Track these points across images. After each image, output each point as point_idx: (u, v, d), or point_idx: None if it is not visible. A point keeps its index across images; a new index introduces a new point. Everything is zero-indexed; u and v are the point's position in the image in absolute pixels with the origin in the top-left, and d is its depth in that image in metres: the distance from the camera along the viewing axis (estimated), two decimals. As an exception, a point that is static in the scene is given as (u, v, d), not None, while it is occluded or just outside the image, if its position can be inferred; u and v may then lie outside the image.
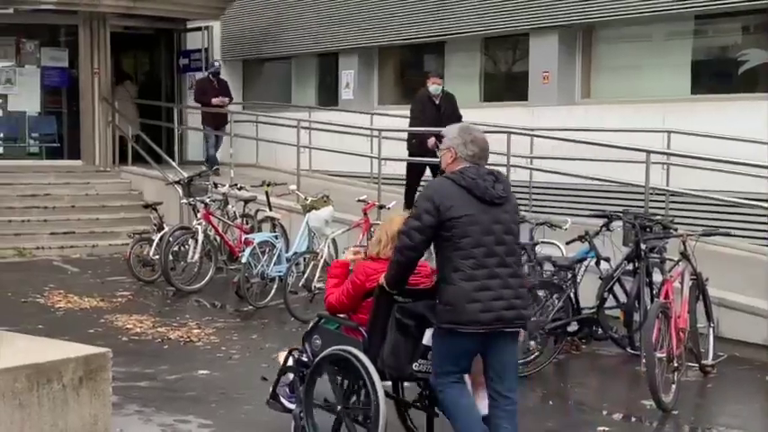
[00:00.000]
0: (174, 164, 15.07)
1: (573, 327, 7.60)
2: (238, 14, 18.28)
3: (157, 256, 10.87)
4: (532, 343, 7.28)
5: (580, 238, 7.93)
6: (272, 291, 9.92)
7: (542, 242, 8.66)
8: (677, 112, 11.80)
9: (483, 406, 4.94)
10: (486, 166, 4.81)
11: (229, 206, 12.09)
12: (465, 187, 4.64)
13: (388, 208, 10.51)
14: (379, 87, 16.87)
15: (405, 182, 11.71)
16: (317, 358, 5.17)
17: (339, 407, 5.05)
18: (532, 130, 12.43)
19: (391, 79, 17.09)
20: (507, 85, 15.00)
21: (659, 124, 11.72)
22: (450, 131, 4.90)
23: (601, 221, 8.01)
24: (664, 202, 10.78)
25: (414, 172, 11.64)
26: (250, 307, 9.78)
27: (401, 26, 15.65)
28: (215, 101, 15.64)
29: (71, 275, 11.96)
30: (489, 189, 4.66)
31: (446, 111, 11.32)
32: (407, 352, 4.92)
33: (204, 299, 10.39)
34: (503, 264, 4.65)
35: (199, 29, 18.19)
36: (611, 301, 7.75)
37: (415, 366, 4.99)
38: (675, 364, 6.47)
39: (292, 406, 5.40)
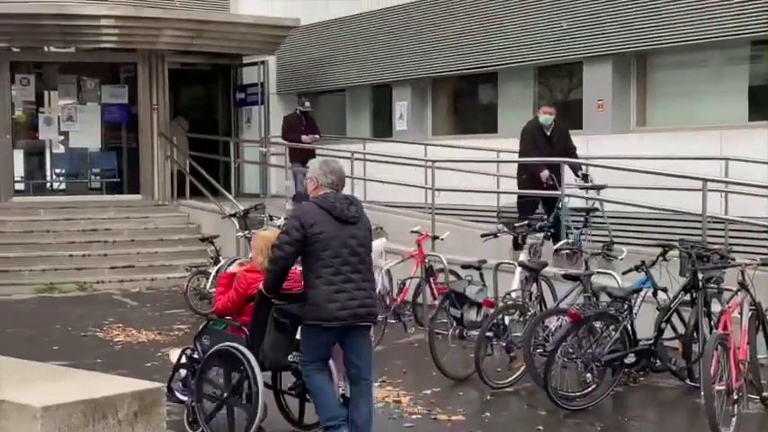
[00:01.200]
0: (230, 197, 15.23)
1: (630, 359, 7.48)
2: (292, 48, 18.51)
3: (213, 289, 10.97)
4: (589, 375, 7.18)
5: (636, 269, 7.83)
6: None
7: (598, 272, 8.55)
8: (734, 139, 11.62)
9: (342, 386, 6.03)
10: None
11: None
12: (325, 209, 5.70)
13: (442, 239, 10.49)
14: (433, 118, 16.92)
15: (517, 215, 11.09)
16: (207, 354, 6.20)
17: (225, 395, 6.03)
18: (587, 158, 12.33)
19: (445, 110, 17.13)
20: (561, 113, 14.87)
21: (716, 151, 11.55)
22: (312, 165, 6.01)
23: (657, 251, 7.90)
24: (722, 230, 10.59)
25: (527, 208, 10.97)
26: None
27: (454, 57, 15.69)
28: (305, 138, 15.36)
29: (130, 309, 12.14)
30: (345, 210, 5.72)
31: (558, 142, 10.87)
32: (284, 346, 6.05)
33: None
34: (356, 270, 5.71)
35: (255, 63, 18.47)
36: (668, 333, 7.62)
37: (290, 358, 6.11)
38: (735, 397, 6.32)
39: (185, 398, 6.34)
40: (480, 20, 15.15)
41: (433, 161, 12.88)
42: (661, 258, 7.81)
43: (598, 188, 10.99)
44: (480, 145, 14.57)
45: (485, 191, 13.37)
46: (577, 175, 10.99)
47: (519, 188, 11.23)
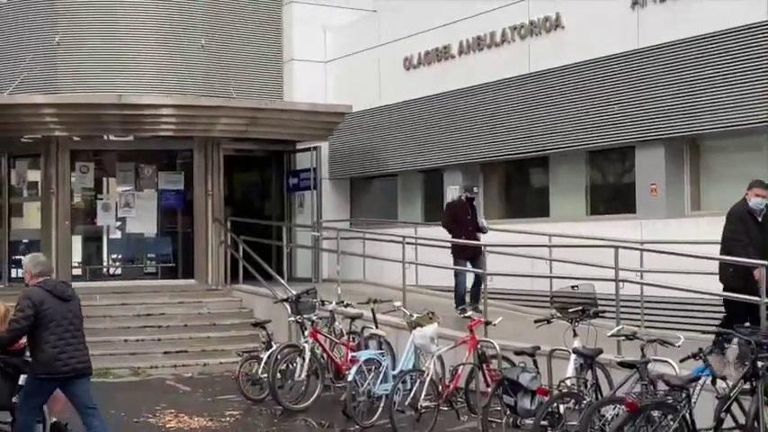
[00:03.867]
0: (282, 281, 15.31)
1: (690, 449, 7.26)
2: (345, 134, 18.78)
3: (265, 375, 10.98)
4: (647, 465, 6.98)
5: (694, 356, 7.65)
6: (379, 409, 9.83)
7: (654, 360, 8.38)
8: (792, 222, 11.39)
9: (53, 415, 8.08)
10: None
11: (336, 323, 12.18)
12: (49, 290, 7.62)
13: (494, 324, 10.38)
14: (484, 202, 16.94)
15: (724, 311, 9.55)
16: None
17: None
18: (641, 243, 12.21)
19: (496, 193, 17.16)
20: (614, 197, 14.86)
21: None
22: (24, 260, 8.10)
23: (715, 338, 7.73)
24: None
25: (739, 312, 8.70)
26: (357, 426, 9.71)
27: (505, 141, 15.79)
28: (483, 222, 13.82)
29: (183, 394, 12.15)
30: (64, 291, 7.72)
31: None
32: (8, 390, 7.82)
33: (312, 418, 10.38)
34: (74, 336, 7.66)
35: (308, 149, 18.75)
36: (728, 422, 7.39)
37: (14, 399, 7.81)
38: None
39: None
40: (531, 104, 15.27)
41: (485, 245, 12.85)
42: (719, 346, 7.63)
43: None
44: (532, 229, 14.52)
45: (537, 275, 13.27)
46: None
47: (723, 283, 9.38)
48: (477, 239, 13.40)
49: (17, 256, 17.95)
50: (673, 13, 13.11)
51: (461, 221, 13.59)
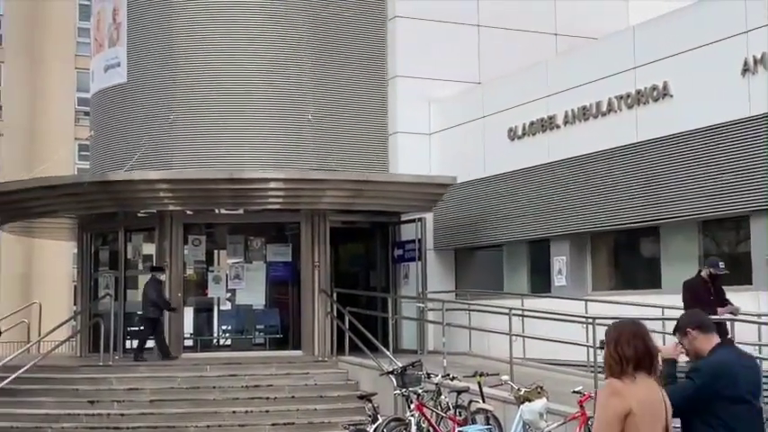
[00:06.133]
0: (388, 353, 15.25)
1: None
2: (450, 205, 18.81)
3: (371, 448, 10.88)
4: None
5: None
6: (487, 487, 9.64)
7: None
8: None
9: None
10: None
11: (442, 396, 12.03)
12: None
13: (606, 400, 10.08)
14: (593, 273, 16.64)
15: None
16: None
17: None
18: (759, 315, 11.74)
19: (605, 264, 16.84)
20: (729, 268, 14.36)
21: None
22: None
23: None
24: None
25: None
26: (464, 504, 9.51)
27: (613, 211, 15.53)
28: (722, 311, 11.63)
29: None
30: None
31: None
32: None
33: (418, 494, 10.21)
34: None
35: (412, 220, 18.83)
36: None
37: None
38: None
39: None
40: (641, 173, 15.02)
41: (594, 318, 12.59)
42: None
43: None
44: (643, 301, 14.16)
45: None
46: None
47: None
48: (722, 322, 11.07)
49: (132, 328, 18.48)
50: (786, 78, 12.80)
51: (704, 302, 11.13)
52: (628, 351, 4.42)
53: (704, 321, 5.33)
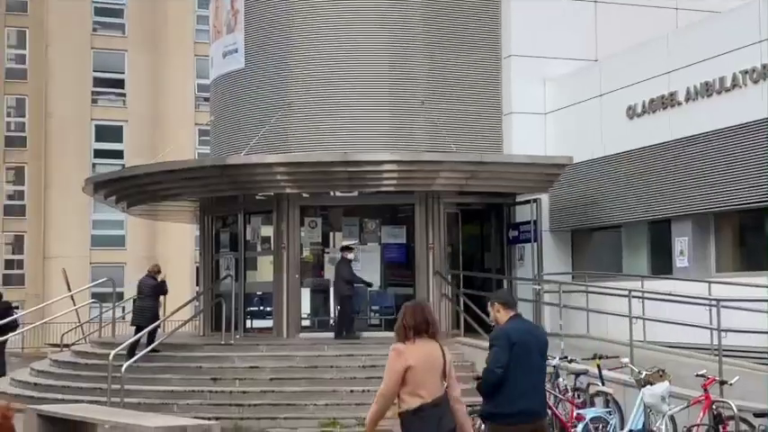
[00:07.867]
0: (504, 335, 15.13)
1: None
2: (566, 186, 18.51)
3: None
4: None
5: None
6: (607, 470, 9.50)
7: None
8: None
9: None
10: None
11: (560, 379, 11.90)
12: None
13: (731, 384, 9.79)
14: (717, 254, 16.11)
15: None
16: None
17: None
18: None
19: (730, 245, 16.28)
20: None
21: None
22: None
23: None
24: None
25: None
26: (583, 487, 9.40)
27: (740, 190, 14.98)
28: None
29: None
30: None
31: None
32: None
33: (536, 476, 10.11)
34: None
35: (527, 201, 18.61)
36: None
37: None
38: None
39: None
40: None
41: (718, 300, 12.21)
42: None
43: None
44: (770, 282, 13.66)
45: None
46: None
47: None
48: None
49: (251, 308, 18.93)
50: None
51: None
52: (410, 321, 6.44)
53: (507, 299, 7.19)
